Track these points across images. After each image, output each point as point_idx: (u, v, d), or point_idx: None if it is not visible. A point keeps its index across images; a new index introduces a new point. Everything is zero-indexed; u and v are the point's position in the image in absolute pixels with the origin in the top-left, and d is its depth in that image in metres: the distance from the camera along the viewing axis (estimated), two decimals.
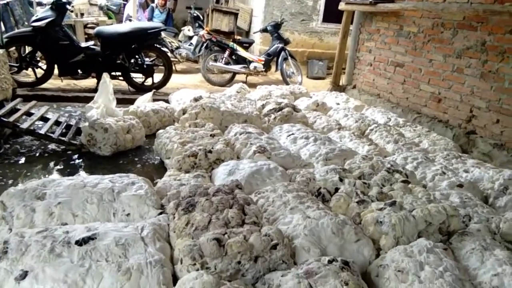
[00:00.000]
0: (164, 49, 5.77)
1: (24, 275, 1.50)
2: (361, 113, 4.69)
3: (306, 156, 3.16)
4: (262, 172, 2.63)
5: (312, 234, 1.92)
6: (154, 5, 8.50)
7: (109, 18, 8.52)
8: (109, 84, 4.07)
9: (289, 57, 6.81)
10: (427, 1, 4.49)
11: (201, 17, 8.89)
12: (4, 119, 3.20)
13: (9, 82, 3.53)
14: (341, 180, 2.49)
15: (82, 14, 7.43)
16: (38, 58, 5.31)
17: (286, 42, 6.94)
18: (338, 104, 5.05)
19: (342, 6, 5.85)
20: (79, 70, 5.26)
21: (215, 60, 6.69)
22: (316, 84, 7.43)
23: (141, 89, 5.54)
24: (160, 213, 2.06)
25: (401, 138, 3.70)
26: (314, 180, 2.57)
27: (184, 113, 3.80)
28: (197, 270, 1.62)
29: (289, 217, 2.07)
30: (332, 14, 8.16)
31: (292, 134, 3.49)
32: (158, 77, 5.66)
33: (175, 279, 1.69)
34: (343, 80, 6.29)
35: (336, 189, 2.44)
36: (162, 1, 8.34)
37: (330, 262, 1.70)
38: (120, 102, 4.75)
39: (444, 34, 4.35)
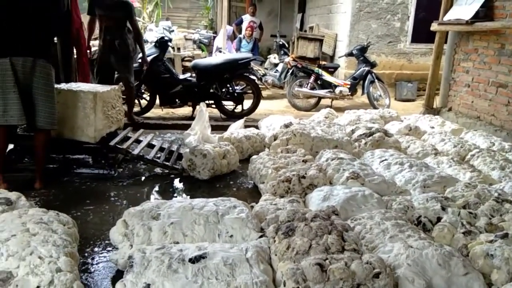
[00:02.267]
0: (253, 77, 6.05)
1: (147, 287, 1.68)
2: (460, 137, 4.41)
3: (402, 182, 3.07)
4: (357, 199, 2.62)
5: (415, 264, 1.86)
6: (241, 36, 9.01)
7: (202, 51, 9.21)
8: (205, 113, 4.37)
9: (376, 80, 6.69)
10: None
11: (286, 45, 9.18)
12: (119, 146, 3.61)
13: (122, 113, 3.98)
14: (443, 209, 2.38)
15: (178, 49, 8.12)
16: (143, 90, 5.90)
17: (372, 65, 6.84)
18: (433, 127, 4.82)
19: (434, 27, 5.64)
20: (177, 100, 5.75)
21: (301, 86, 6.82)
22: (405, 107, 7.17)
23: (232, 116, 5.86)
24: (261, 236, 2.16)
25: (508, 164, 3.41)
26: (412, 208, 2.50)
27: (275, 139, 3.93)
28: None
29: (389, 246, 2.04)
30: (421, 34, 7.88)
31: (385, 159, 3.42)
32: (247, 103, 5.94)
33: None
34: (437, 103, 5.99)
35: (438, 219, 2.33)
36: (249, 32, 8.82)
37: None
38: (214, 128, 5.06)
39: None
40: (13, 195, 2.42)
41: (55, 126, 3.19)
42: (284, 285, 1.75)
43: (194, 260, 1.78)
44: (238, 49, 8.85)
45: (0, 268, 1.72)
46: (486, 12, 4.82)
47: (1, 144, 3.07)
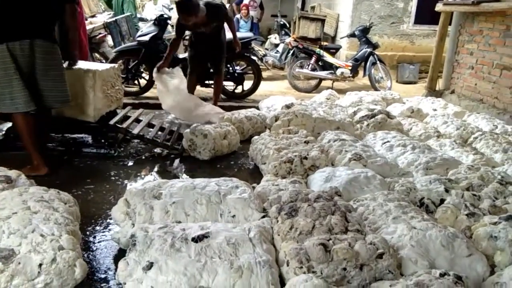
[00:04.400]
0: (254, 57, 5.97)
1: (150, 265, 1.67)
2: (462, 119, 4.39)
3: (404, 164, 3.05)
4: (359, 180, 2.60)
5: (419, 245, 1.86)
6: (238, 16, 8.85)
7: None
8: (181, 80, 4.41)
9: (377, 62, 6.61)
10: None
11: (287, 25, 9.05)
12: (119, 125, 3.57)
13: (121, 92, 3.93)
14: (447, 190, 2.37)
15: None
16: (142, 70, 5.82)
17: (374, 46, 6.75)
18: (435, 110, 4.78)
19: (439, 7, 5.54)
20: None
21: (301, 67, 6.74)
22: (407, 89, 7.11)
23: (232, 97, 5.80)
24: (263, 217, 2.15)
25: (510, 147, 3.39)
26: (415, 190, 2.48)
27: (276, 120, 3.89)
28: (304, 273, 1.66)
29: (393, 227, 2.03)
30: (425, 16, 7.77)
31: (388, 141, 3.39)
32: (247, 84, 5.87)
33: (280, 280, 1.75)
34: (439, 85, 5.94)
35: (442, 200, 2.33)
36: (245, 11, 8.66)
37: (442, 275, 1.63)
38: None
39: None
40: (13, 173, 2.39)
41: (66, 104, 3.10)
42: (288, 265, 1.75)
43: (197, 239, 1.77)
44: (236, 30, 8.72)
45: (1, 246, 1.70)
46: None
47: (28, 129, 2.92)
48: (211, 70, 5.22)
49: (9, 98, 2.79)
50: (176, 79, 4.38)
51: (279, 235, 1.96)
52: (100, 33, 6.38)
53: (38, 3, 2.81)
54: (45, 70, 2.88)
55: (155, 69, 4.41)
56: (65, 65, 3.20)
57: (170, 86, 4.34)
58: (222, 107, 5.10)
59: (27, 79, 2.81)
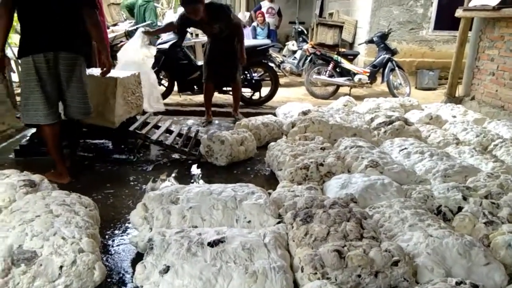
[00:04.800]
0: (271, 64, 6.01)
1: (166, 269, 1.71)
2: (483, 126, 4.31)
3: (422, 172, 3.02)
4: (376, 187, 2.59)
5: (435, 253, 1.84)
6: (255, 24, 8.93)
7: None
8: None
9: (396, 68, 6.57)
10: None
11: (305, 32, 9.07)
12: (138, 132, 3.65)
13: (141, 99, 4.01)
14: (464, 198, 2.34)
15: (197, 35, 8.11)
16: (161, 77, 5.93)
17: (393, 52, 6.70)
18: (454, 117, 4.71)
19: (459, 13, 5.47)
20: (195, 86, 5.76)
21: (319, 73, 6.74)
22: (426, 96, 7.03)
23: (249, 103, 5.85)
24: (278, 222, 2.16)
25: None
26: (432, 198, 2.46)
27: (293, 126, 3.91)
28: (318, 279, 1.67)
29: (409, 234, 2.02)
30: (444, 21, 7.68)
31: (405, 148, 3.37)
32: (264, 91, 5.91)
33: (295, 286, 1.76)
34: (459, 91, 5.85)
35: (459, 208, 2.30)
36: (261, 18, 8.73)
37: (458, 284, 1.62)
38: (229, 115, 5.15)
39: None
40: (36, 178, 2.48)
41: (88, 116, 3.14)
42: (302, 271, 1.76)
43: (213, 244, 1.80)
44: (254, 38, 8.78)
45: (25, 248, 1.77)
46: None
47: (52, 140, 2.98)
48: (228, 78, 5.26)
49: (33, 110, 2.86)
50: (149, 52, 4.52)
51: (294, 241, 1.97)
52: (121, 41, 6.54)
53: (62, 16, 2.86)
54: (68, 81, 2.94)
55: (142, 30, 4.64)
56: (97, 72, 3.29)
57: (140, 53, 4.47)
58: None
59: (51, 90, 2.87)
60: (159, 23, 8.39)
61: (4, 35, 2.79)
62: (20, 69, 2.84)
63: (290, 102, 5.42)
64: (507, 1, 4.65)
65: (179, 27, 4.81)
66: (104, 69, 3.20)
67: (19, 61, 2.86)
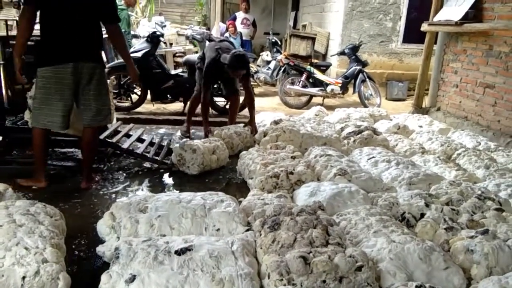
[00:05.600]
0: None
1: (132, 278, 1.70)
2: (447, 136, 4.48)
3: (388, 180, 3.12)
4: (343, 195, 2.66)
5: (397, 258, 1.90)
6: (227, 34, 9.01)
7: (194, 46, 9.19)
8: None
9: (367, 79, 6.75)
10: None
11: (279, 42, 9.20)
12: (109, 140, 3.60)
13: (113, 108, 3.97)
14: (427, 205, 2.43)
15: (171, 44, 8.12)
16: (134, 85, 5.88)
17: (364, 64, 6.90)
18: (421, 127, 4.89)
19: (425, 27, 5.71)
20: (168, 95, 5.74)
21: (292, 83, 6.85)
22: (396, 106, 7.24)
23: (224, 112, 5.86)
24: (247, 230, 2.18)
25: (493, 164, 3.48)
26: (397, 205, 2.54)
27: (265, 136, 3.96)
28: (284, 285, 1.70)
29: (373, 240, 2.08)
30: (412, 34, 7.95)
31: (373, 157, 3.47)
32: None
33: None
34: (426, 102, 6.07)
35: (422, 215, 2.38)
36: (232, 28, 8.81)
37: (418, 287, 1.67)
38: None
39: None
40: (0, 187, 2.41)
41: (103, 123, 3.20)
42: (269, 277, 1.78)
43: (180, 252, 1.80)
44: None
45: None
46: (475, 14, 4.90)
47: (40, 145, 3.01)
48: (224, 90, 5.14)
49: (44, 117, 2.90)
50: None
51: (261, 248, 1.99)
52: None
53: (84, 27, 2.88)
54: (86, 90, 2.96)
55: None
56: None
57: None
58: (213, 122, 5.17)
59: (68, 99, 2.91)
60: (132, 32, 8.35)
61: (24, 43, 2.82)
62: (37, 76, 2.88)
63: (264, 112, 5.47)
64: (469, 16, 4.88)
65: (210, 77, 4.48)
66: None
67: (38, 69, 2.87)
